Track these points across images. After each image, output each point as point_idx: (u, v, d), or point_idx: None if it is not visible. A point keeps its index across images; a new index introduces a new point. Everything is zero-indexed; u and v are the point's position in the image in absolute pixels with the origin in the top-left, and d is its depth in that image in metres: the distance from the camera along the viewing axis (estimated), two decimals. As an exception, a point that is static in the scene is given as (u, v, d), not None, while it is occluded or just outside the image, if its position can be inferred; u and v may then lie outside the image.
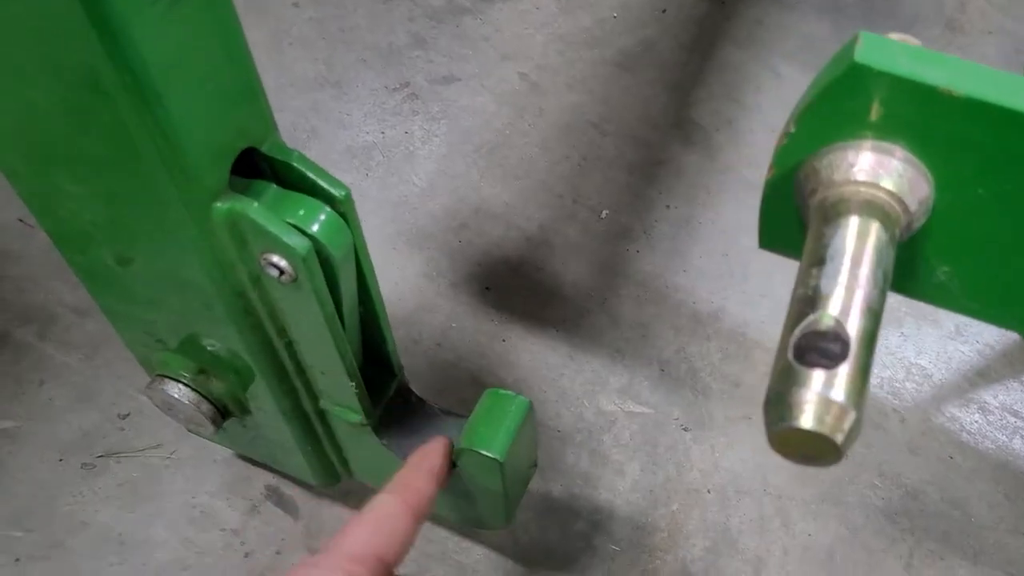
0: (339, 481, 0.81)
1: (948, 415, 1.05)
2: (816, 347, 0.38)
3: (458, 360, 1.02)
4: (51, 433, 0.92)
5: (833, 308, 0.38)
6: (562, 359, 1.04)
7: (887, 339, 1.10)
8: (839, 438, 0.36)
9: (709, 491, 0.98)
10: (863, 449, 1.02)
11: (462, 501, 0.74)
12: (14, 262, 1.01)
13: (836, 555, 0.95)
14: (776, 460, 0.99)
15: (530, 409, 0.67)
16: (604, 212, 1.15)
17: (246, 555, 0.88)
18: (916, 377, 1.08)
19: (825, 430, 0.36)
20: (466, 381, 1.00)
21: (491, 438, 0.64)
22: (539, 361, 1.03)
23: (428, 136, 1.19)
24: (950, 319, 1.12)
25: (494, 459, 0.64)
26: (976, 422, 1.05)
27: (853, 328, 0.38)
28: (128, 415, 0.93)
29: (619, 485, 0.97)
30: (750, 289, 1.12)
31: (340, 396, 0.67)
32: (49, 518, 0.87)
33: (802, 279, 0.41)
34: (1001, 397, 1.07)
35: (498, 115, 1.22)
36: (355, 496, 0.92)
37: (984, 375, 1.09)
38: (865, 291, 0.39)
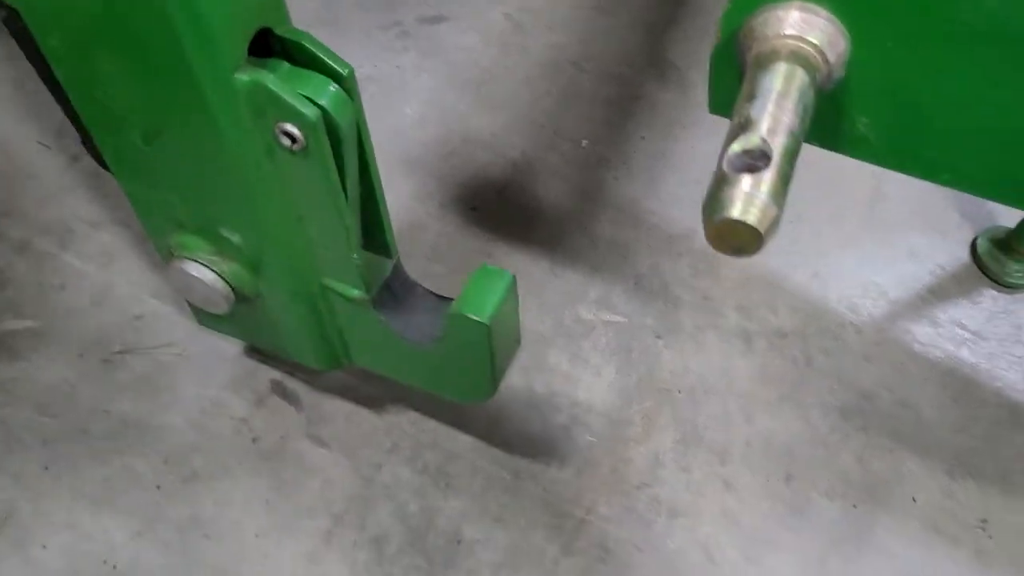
0: (340, 366, 0.89)
1: (901, 328, 1.14)
2: (746, 161, 0.46)
3: (447, 273, 1.10)
4: (72, 332, 0.99)
5: (761, 130, 0.46)
6: (544, 273, 1.12)
7: (846, 259, 1.19)
8: (762, 227, 0.44)
9: (679, 391, 1.06)
10: (822, 357, 1.11)
11: (450, 373, 0.82)
12: (33, 180, 1.08)
13: (795, 449, 1.04)
14: (741, 364, 1.07)
15: (514, 282, 0.75)
16: (584, 142, 1.23)
17: (254, 440, 0.96)
18: (872, 294, 1.16)
19: (751, 219, 0.44)
20: (455, 291, 1.08)
21: (480, 305, 0.72)
22: (523, 275, 1.11)
23: (419, 71, 1.26)
24: (904, 242, 1.21)
25: (482, 323, 0.72)
26: (927, 333, 1.14)
27: (777, 145, 0.46)
28: (142, 316, 1.01)
29: (596, 384, 1.05)
30: (720, 213, 1.20)
31: (342, 271, 0.75)
32: (73, 407, 0.95)
33: (737, 111, 0.49)
34: (950, 312, 1.16)
35: (485, 53, 1.30)
36: (353, 392, 1.00)
37: (935, 292, 1.18)
38: (788, 118, 0.47)
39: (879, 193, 1.25)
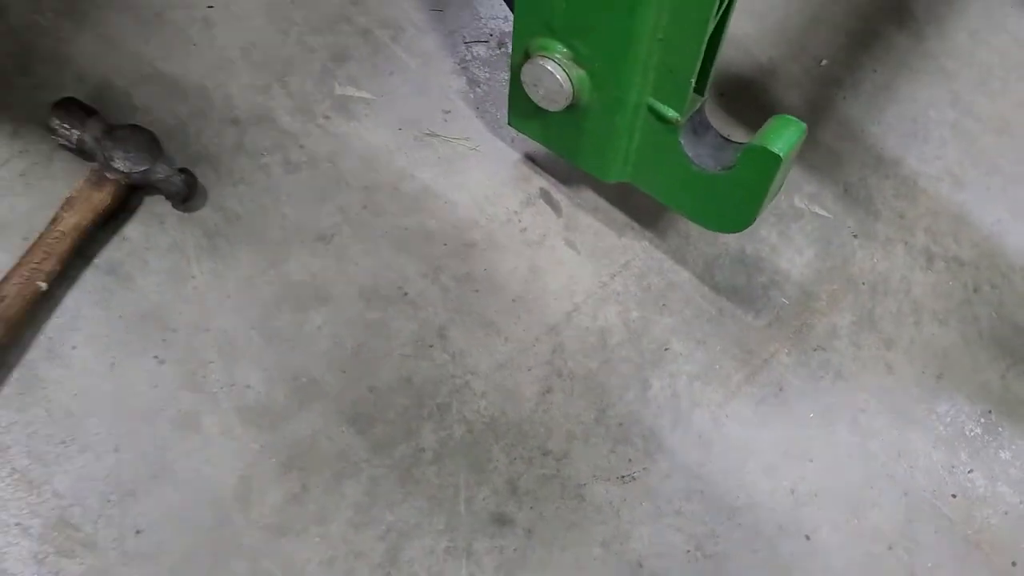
0: (620, 180, 1.09)
1: (1062, 284, 1.29)
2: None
3: (691, 141, 1.28)
4: (394, 109, 1.21)
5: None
6: (770, 161, 1.30)
7: (1028, 216, 1.34)
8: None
9: (864, 284, 1.24)
10: (989, 288, 1.27)
11: (718, 202, 1.01)
12: (377, -18, 1.30)
13: (950, 355, 1.21)
14: (920, 276, 1.25)
15: (805, 132, 0.93)
16: (824, 61, 1.40)
17: (521, 230, 1.17)
18: (1044, 251, 1.32)
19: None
20: (696, 156, 1.27)
21: (778, 142, 0.91)
22: (752, 158, 1.29)
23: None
24: (1083, 215, 1.35)
25: (776, 154, 0.91)
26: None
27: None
28: (449, 112, 1.22)
29: (797, 260, 1.24)
30: (928, 152, 1.36)
31: (671, 93, 0.94)
32: (389, 167, 1.17)
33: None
34: None
35: (751, -33, 1.46)
36: (603, 213, 1.20)
37: None
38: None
39: (1069, 169, 1.40)
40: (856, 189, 1.31)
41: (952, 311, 1.25)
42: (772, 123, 0.93)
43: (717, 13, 0.86)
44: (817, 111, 1.35)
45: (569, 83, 0.97)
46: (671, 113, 0.96)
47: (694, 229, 1.22)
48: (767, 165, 0.92)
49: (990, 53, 1.47)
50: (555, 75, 0.97)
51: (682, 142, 0.98)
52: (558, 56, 0.96)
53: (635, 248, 1.20)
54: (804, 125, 0.93)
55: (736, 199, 0.99)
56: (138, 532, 0.94)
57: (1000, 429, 1.18)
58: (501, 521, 1.03)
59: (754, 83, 1.36)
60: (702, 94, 0.98)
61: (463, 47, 1.28)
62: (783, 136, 0.91)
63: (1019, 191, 1.36)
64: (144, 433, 0.98)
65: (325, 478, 1.00)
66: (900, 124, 1.37)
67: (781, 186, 1.01)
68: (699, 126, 1.00)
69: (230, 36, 1.21)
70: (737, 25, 1.40)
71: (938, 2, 1.49)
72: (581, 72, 0.97)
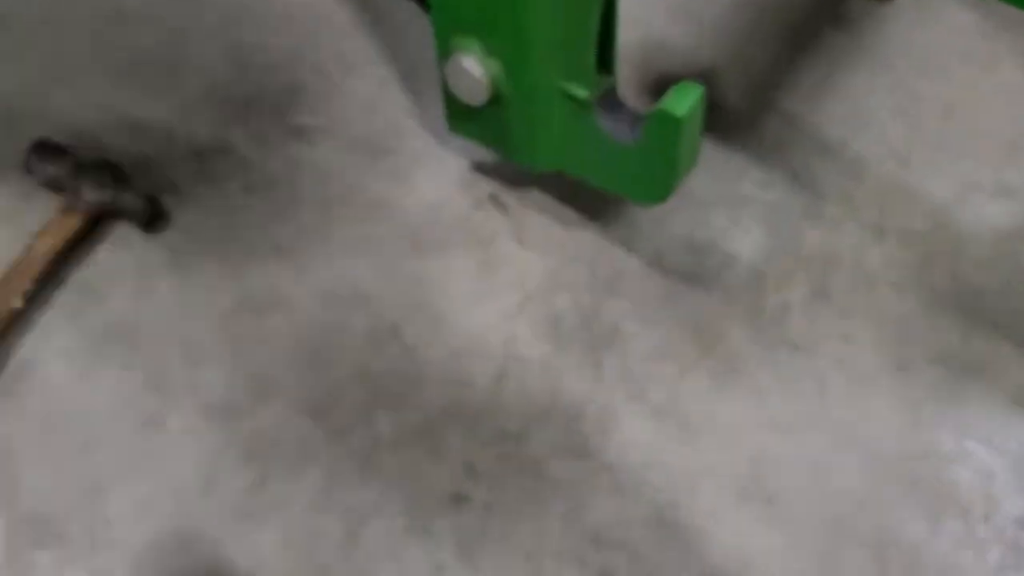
0: (551, 168, 1.15)
1: (1016, 246, 1.31)
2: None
3: (635, 141, 1.34)
4: (347, 132, 1.30)
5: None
6: (717, 152, 1.34)
7: (979, 187, 1.35)
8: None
9: (816, 261, 1.26)
10: (943, 256, 1.28)
11: (639, 173, 1.06)
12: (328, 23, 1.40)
13: (909, 321, 1.22)
14: (872, 249, 1.30)
15: (704, 93, 0.98)
16: (761, 64, 1.46)
17: (472, 231, 1.23)
18: (997, 215, 1.33)
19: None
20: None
21: (677, 105, 0.96)
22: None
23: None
24: (1036, 181, 1.37)
25: (676, 116, 0.96)
26: (1043, 255, 1.30)
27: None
28: (399, 129, 1.31)
29: (747, 242, 1.27)
30: (872, 136, 1.40)
31: (577, 70, 1.00)
32: (342, 183, 1.25)
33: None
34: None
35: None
36: (548, 212, 1.26)
37: None
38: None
39: (1017, 143, 1.42)
40: (802, 174, 1.35)
41: (907, 279, 1.26)
42: (671, 90, 0.98)
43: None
44: (758, 108, 1.41)
45: (485, 75, 1.04)
46: (582, 93, 1.02)
47: (642, 219, 1.26)
48: (670, 128, 0.97)
49: (927, 43, 1.51)
50: (471, 70, 1.04)
51: (599, 120, 1.04)
52: (473, 51, 1.04)
53: (583, 240, 1.24)
54: (702, 88, 0.98)
55: (653, 167, 1.04)
56: (107, 522, 0.98)
57: (964, 388, 1.18)
58: (459, 500, 1.05)
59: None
60: (611, 72, 1.04)
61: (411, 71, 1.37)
62: (681, 99, 0.97)
63: (967, 166, 1.38)
64: (111, 434, 1.04)
65: (285, 466, 1.04)
66: (842, 112, 1.41)
67: (696, 152, 1.06)
68: (613, 104, 1.06)
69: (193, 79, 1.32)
70: (675, 36, 1.48)
71: (871, 2, 1.56)
72: (495, 63, 1.04)
